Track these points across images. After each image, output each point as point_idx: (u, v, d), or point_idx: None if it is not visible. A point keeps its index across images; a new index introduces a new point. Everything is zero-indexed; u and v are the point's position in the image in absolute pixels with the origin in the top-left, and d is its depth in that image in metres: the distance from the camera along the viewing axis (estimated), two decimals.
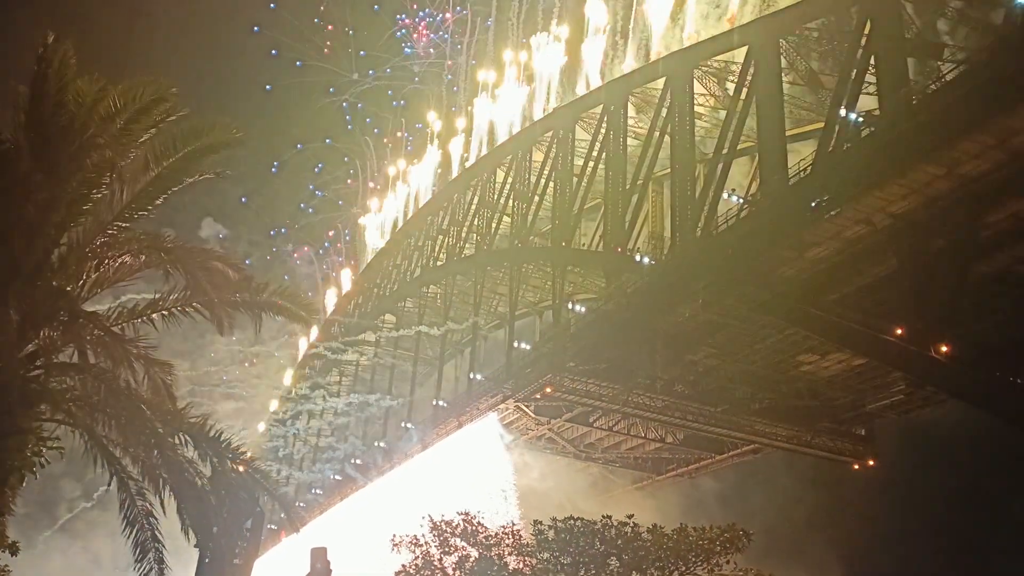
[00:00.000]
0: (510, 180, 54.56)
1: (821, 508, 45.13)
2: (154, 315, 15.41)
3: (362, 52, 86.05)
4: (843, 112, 31.26)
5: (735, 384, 42.24)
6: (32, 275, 14.18)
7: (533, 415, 47.28)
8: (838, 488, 45.72)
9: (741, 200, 39.14)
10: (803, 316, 34.30)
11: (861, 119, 31.37)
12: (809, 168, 31.40)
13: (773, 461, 46.97)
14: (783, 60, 35.61)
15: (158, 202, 15.53)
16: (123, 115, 14.61)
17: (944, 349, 30.78)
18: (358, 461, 63.53)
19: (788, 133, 34.91)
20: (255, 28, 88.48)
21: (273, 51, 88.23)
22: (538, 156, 52.16)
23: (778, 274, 33.06)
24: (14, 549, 29.20)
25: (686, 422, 44.87)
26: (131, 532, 14.55)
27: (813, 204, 31.16)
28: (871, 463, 43.70)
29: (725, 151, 36.50)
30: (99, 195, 14.70)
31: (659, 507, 36.64)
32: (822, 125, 32.99)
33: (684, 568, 24.70)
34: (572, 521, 25.47)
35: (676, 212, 39.49)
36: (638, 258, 42.29)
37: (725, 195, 38.95)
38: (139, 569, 14.44)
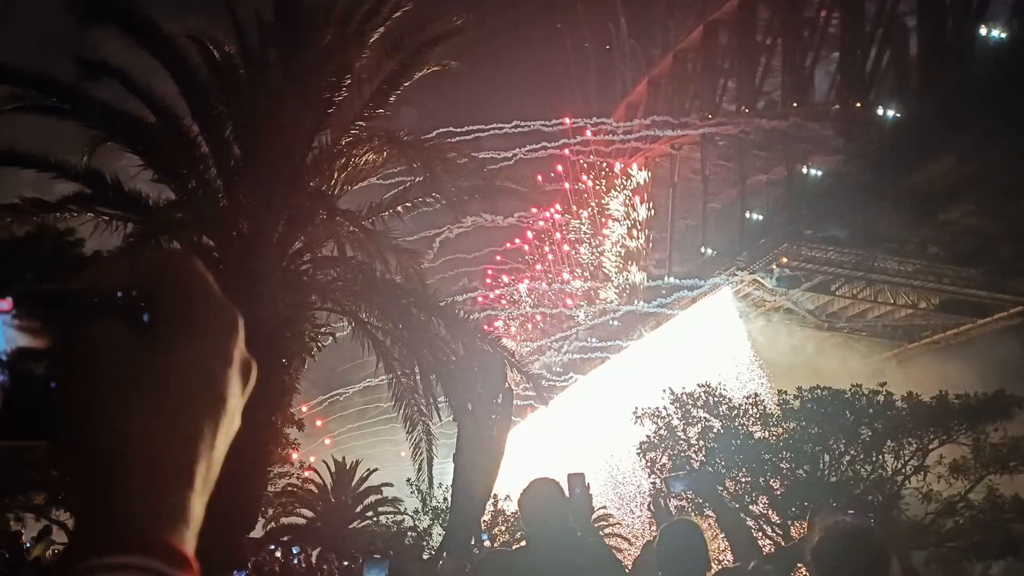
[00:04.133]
0: (735, 42, 51.70)
1: None
2: (399, 208, 16.37)
3: None
4: None
5: (999, 242, 38.52)
6: (293, 179, 15.45)
7: (769, 286, 45.95)
8: None
9: (1003, 36, 34.73)
10: None
11: None
12: None
13: None
14: None
15: (392, 99, 16.25)
16: (355, 17, 15.26)
17: None
18: (595, 340, 65.22)
19: None
20: None
21: None
22: (764, 13, 48.85)
23: None
24: (300, 424, 33.22)
25: (941, 286, 41.83)
26: (400, 407, 16.00)
27: None
28: None
29: None
30: (340, 98, 15.58)
31: (913, 376, 34.71)
32: None
33: (945, 436, 23.41)
34: (818, 390, 24.78)
35: (924, 56, 35.76)
36: (881, 111, 39.01)
37: (983, 31, 34.68)
38: (410, 439, 15.91)
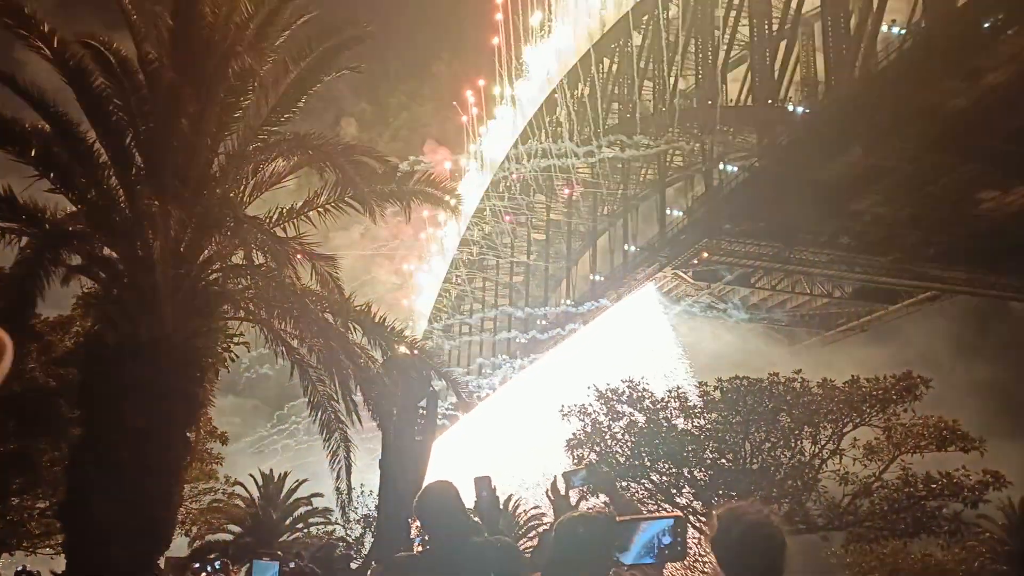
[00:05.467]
0: (648, 42, 52.48)
1: (1003, 351, 42.64)
2: (311, 212, 16.09)
3: None
4: None
5: (906, 230, 40.00)
6: (199, 187, 15.05)
7: (691, 281, 46.81)
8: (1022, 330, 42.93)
9: (903, 31, 36.03)
10: (981, 150, 31.83)
11: None
12: None
13: (950, 307, 44.60)
14: None
15: (300, 103, 15.97)
16: (255, 20, 14.96)
17: None
18: (523, 340, 65.43)
19: None
20: None
21: None
22: (676, 12, 49.71)
23: (950, 107, 30.60)
24: (224, 438, 32.42)
25: (854, 274, 43.28)
26: (317, 414, 15.74)
27: (986, 25, 28.32)
28: None
29: None
30: (246, 102, 15.25)
31: (829, 363, 35.81)
32: None
33: (858, 419, 24.19)
34: (738, 380, 25.34)
35: (830, 52, 36.86)
36: (791, 108, 40.07)
37: (884, 27, 35.93)
38: (327, 446, 15.67)
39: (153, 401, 13.52)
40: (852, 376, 24.55)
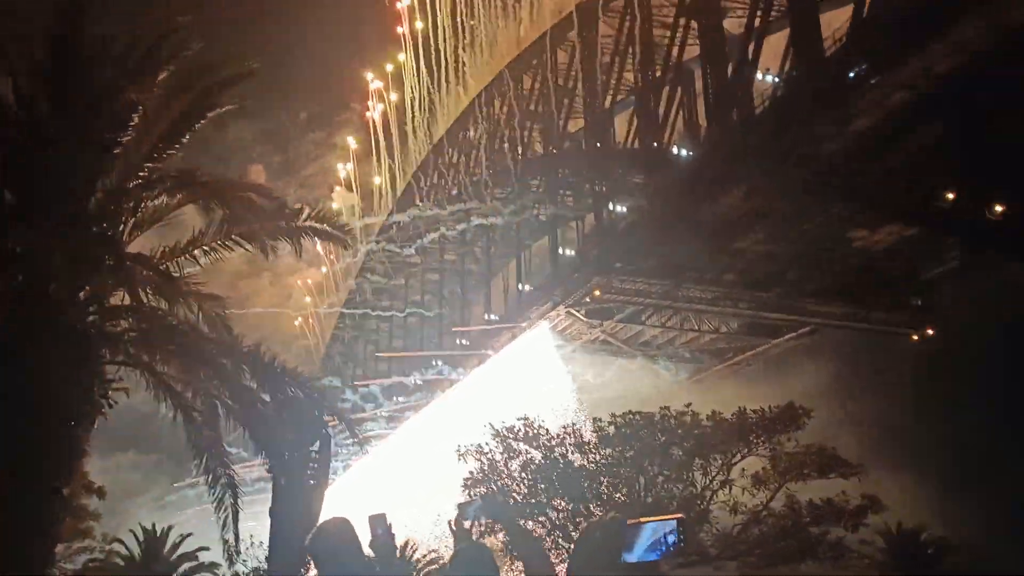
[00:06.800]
0: (537, 86, 53.68)
1: (878, 382, 44.81)
2: (196, 251, 15.57)
3: None
4: None
5: (786, 267, 41.84)
6: (73, 225, 14.35)
7: (585, 319, 47.52)
8: (896, 362, 45.27)
9: (777, 79, 38.08)
10: (852, 191, 33.69)
11: None
12: (845, 37, 30.29)
13: (829, 341, 46.71)
14: None
15: (184, 139, 15.52)
16: (136, 53, 14.51)
17: (999, 209, 29.97)
18: (419, 381, 64.78)
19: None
20: None
21: None
22: (564, 57, 51.10)
23: (822, 150, 32.34)
24: (101, 493, 30.70)
25: (739, 310, 44.87)
26: (201, 461, 15.07)
27: (852, 75, 30.19)
28: (930, 332, 43.24)
29: (755, 27, 35.35)
30: (126, 138, 14.70)
31: (719, 396, 36.86)
32: None
33: (746, 449, 24.96)
34: (631, 416, 25.79)
35: (710, 98, 38.53)
36: (675, 150, 41.56)
37: (759, 75, 37.86)
38: (213, 493, 15.00)
39: (20, 454, 12.68)
40: (739, 408, 25.38)
